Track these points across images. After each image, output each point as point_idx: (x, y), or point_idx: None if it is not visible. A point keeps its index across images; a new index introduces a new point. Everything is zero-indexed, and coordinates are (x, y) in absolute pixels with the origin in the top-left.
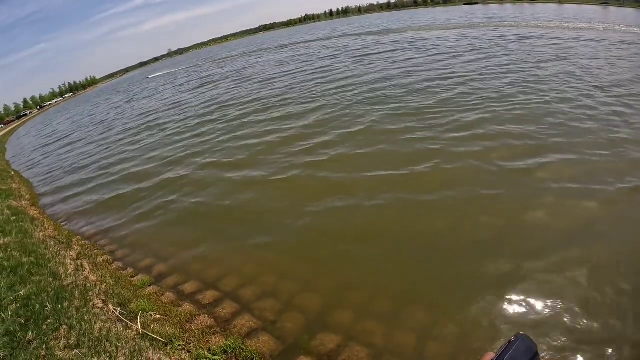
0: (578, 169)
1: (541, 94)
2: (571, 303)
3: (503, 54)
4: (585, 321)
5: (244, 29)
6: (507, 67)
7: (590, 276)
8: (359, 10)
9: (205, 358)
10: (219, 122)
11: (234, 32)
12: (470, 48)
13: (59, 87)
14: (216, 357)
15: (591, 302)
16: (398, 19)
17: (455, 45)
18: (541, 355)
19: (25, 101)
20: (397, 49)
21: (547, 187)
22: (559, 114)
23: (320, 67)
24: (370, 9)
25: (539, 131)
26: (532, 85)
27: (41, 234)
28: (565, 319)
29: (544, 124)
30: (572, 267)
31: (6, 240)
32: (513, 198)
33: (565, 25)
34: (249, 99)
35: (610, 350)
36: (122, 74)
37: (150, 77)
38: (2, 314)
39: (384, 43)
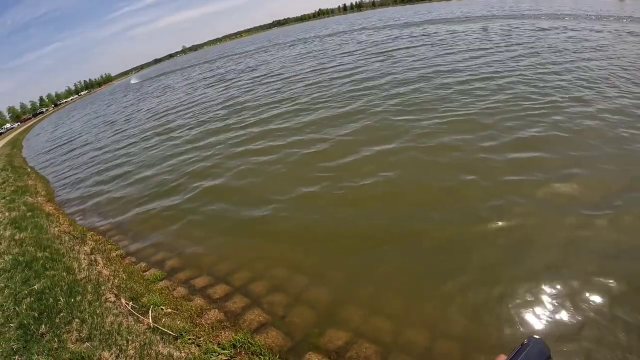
0: None
1: None
2: (595, 308)
3: (536, 48)
4: (608, 329)
5: (257, 25)
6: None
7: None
8: (373, 4)
9: (215, 352)
10: (234, 130)
11: (248, 28)
12: (504, 43)
13: (75, 85)
14: (225, 351)
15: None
16: (416, 12)
17: (488, 39)
18: None
19: (41, 99)
20: (425, 44)
21: None
22: None
23: (345, 66)
24: (385, 2)
25: None
26: None
27: (56, 229)
28: (589, 325)
29: None
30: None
31: (22, 235)
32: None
33: (592, 17)
34: (266, 101)
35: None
36: (137, 71)
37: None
38: (16, 307)
39: (408, 37)
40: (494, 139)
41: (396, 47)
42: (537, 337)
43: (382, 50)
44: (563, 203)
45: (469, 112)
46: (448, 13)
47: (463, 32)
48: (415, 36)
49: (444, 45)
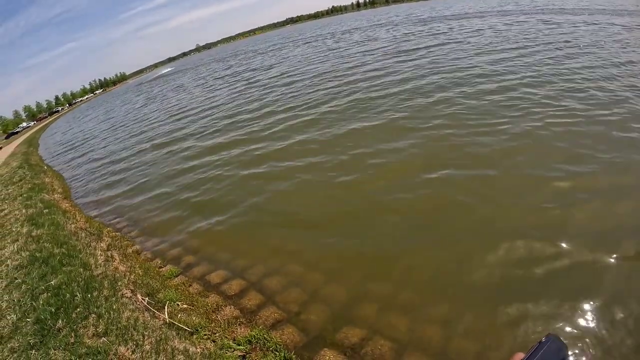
0: None
1: None
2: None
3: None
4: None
5: (271, 23)
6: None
7: None
8: (387, 1)
9: (230, 348)
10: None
11: (262, 25)
12: (545, 40)
13: (90, 84)
14: (241, 347)
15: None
16: (432, 7)
17: (520, 35)
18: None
19: (57, 98)
20: (452, 42)
21: None
22: None
23: (368, 66)
24: None
25: None
26: None
27: (72, 226)
28: (606, 323)
29: None
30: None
31: (39, 232)
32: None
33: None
34: (283, 107)
35: None
36: (151, 69)
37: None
38: (33, 302)
39: (435, 34)
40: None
41: (424, 45)
42: (554, 335)
43: (409, 48)
44: None
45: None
46: (467, 9)
47: (489, 27)
48: (441, 32)
49: (478, 43)
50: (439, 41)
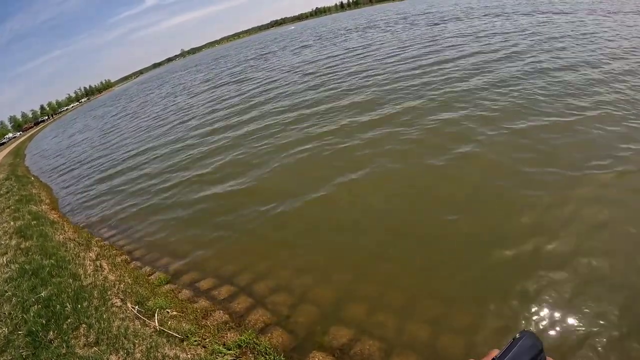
0: None
1: None
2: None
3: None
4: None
5: (256, 26)
6: None
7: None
8: (370, 1)
9: (220, 353)
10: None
11: (246, 29)
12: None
13: (75, 92)
14: (231, 351)
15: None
16: (430, 6)
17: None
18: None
19: (42, 107)
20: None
21: None
22: None
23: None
24: None
25: None
26: None
27: (61, 236)
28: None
29: None
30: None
31: (27, 244)
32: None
33: None
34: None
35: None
36: (137, 76)
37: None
38: (24, 315)
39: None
40: None
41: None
42: (529, 331)
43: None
44: None
45: None
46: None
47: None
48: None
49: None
50: None
